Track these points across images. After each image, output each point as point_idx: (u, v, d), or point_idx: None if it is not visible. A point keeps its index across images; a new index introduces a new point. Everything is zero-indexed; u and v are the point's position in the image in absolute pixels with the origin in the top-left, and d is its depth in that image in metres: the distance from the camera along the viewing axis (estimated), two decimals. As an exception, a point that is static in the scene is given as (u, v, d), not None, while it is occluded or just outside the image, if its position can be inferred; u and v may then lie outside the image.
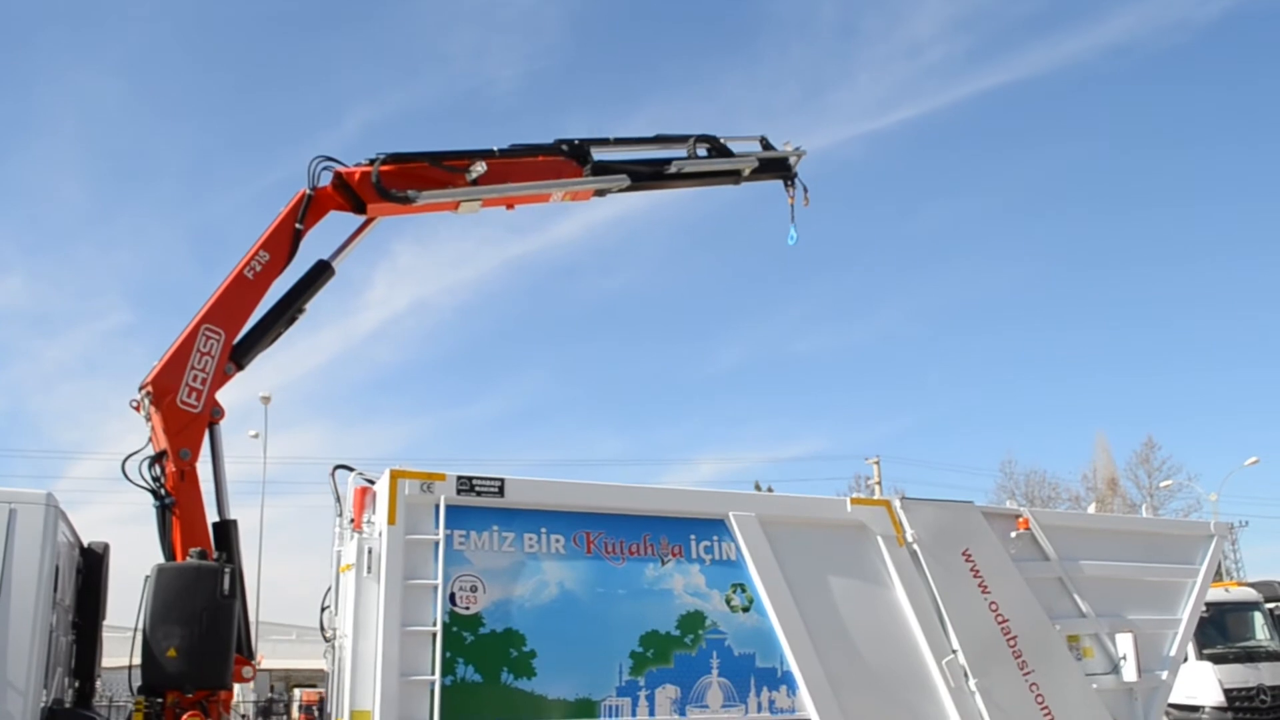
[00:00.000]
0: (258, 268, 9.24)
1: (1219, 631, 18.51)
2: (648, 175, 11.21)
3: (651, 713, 8.16)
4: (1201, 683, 17.75)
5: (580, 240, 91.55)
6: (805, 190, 12.07)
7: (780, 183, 12.16)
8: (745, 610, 8.71)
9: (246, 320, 9.21)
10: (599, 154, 10.84)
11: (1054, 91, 79.93)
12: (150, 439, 8.77)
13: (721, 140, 11.54)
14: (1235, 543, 45.26)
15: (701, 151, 11.42)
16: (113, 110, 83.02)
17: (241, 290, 9.16)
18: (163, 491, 8.56)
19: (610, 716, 8.04)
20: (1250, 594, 19.70)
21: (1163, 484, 48.91)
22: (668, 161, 11.25)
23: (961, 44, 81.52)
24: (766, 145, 11.94)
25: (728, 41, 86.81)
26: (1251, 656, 18.49)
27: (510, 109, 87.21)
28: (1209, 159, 77.94)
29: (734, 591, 8.74)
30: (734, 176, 11.75)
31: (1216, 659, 18.10)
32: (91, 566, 8.63)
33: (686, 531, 8.76)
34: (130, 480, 8.58)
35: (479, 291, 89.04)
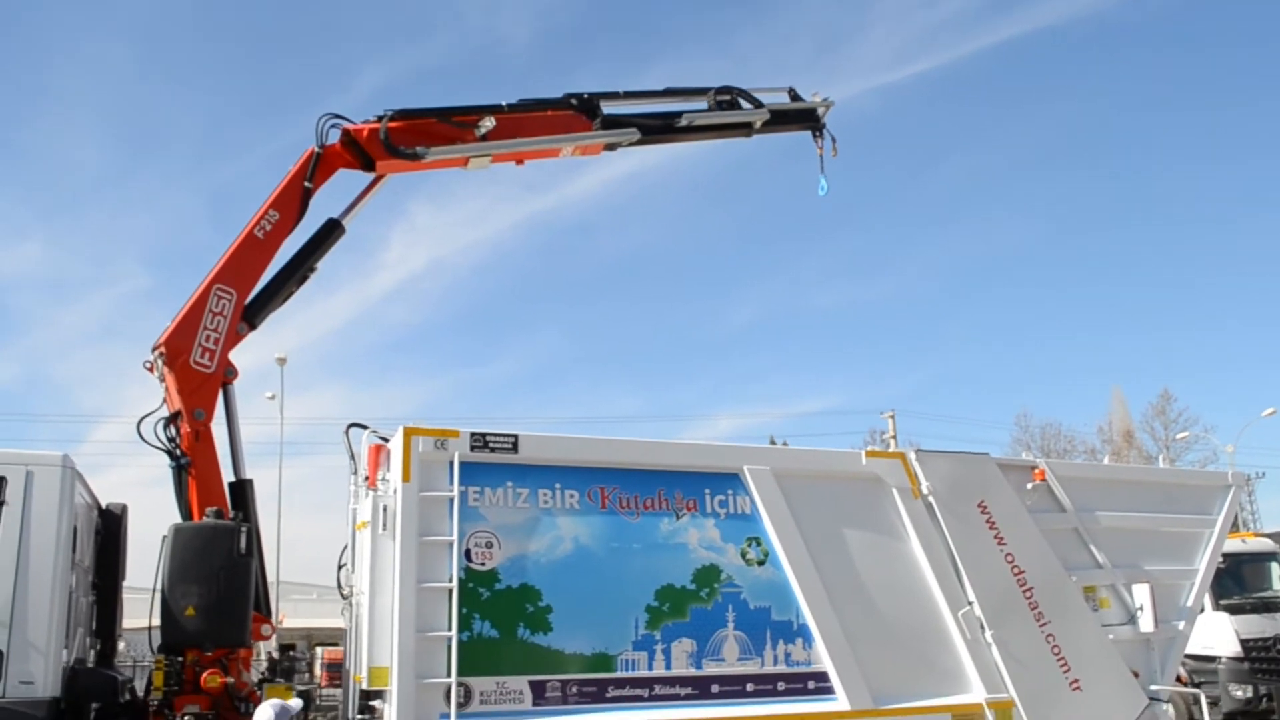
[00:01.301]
0: (268, 227, 9.20)
1: (1235, 582, 18.46)
2: (658, 129, 11.12)
3: (668, 666, 8.20)
4: (1218, 633, 17.73)
5: (595, 197, 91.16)
6: (834, 141, 12.15)
7: (808, 135, 12.22)
8: (760, 564, 8.72)
9: (258, 280, 9.19)
10: (608, 108, 10.74)
11: (1073, 42, 78.88)
12: (165, 400, 8.79)
13: (748, 91, 11.50)
14: (1252, 494, 45.21)
15: (732, 103, 11.35)
16: (125, 74, 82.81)
17: (252, 250, 9.13)
18: (178, 452, 8.59)
19: (626, 670, 8.07)
20: (1267, 544, 19.62)
21: (1179, 436, 48.86)
22: (678, 115, 11.15)
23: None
24: (795, 97, 11.99)
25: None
26: (1268, 607, 18.45)
27: (523, 67, 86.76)
28: (1227, 111, 77.01)
29: (749, 545, 8.74)
30: (745, 129, 11.66)
31: (1233, 610, 18.07)
32: (110, 528, 8.68)
33: (701, 486, 8.75)
34: (146, 441, 8.62)
35: (495, 250, 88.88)
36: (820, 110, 12.07)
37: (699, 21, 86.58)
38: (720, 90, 11.35)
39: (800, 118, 12.07)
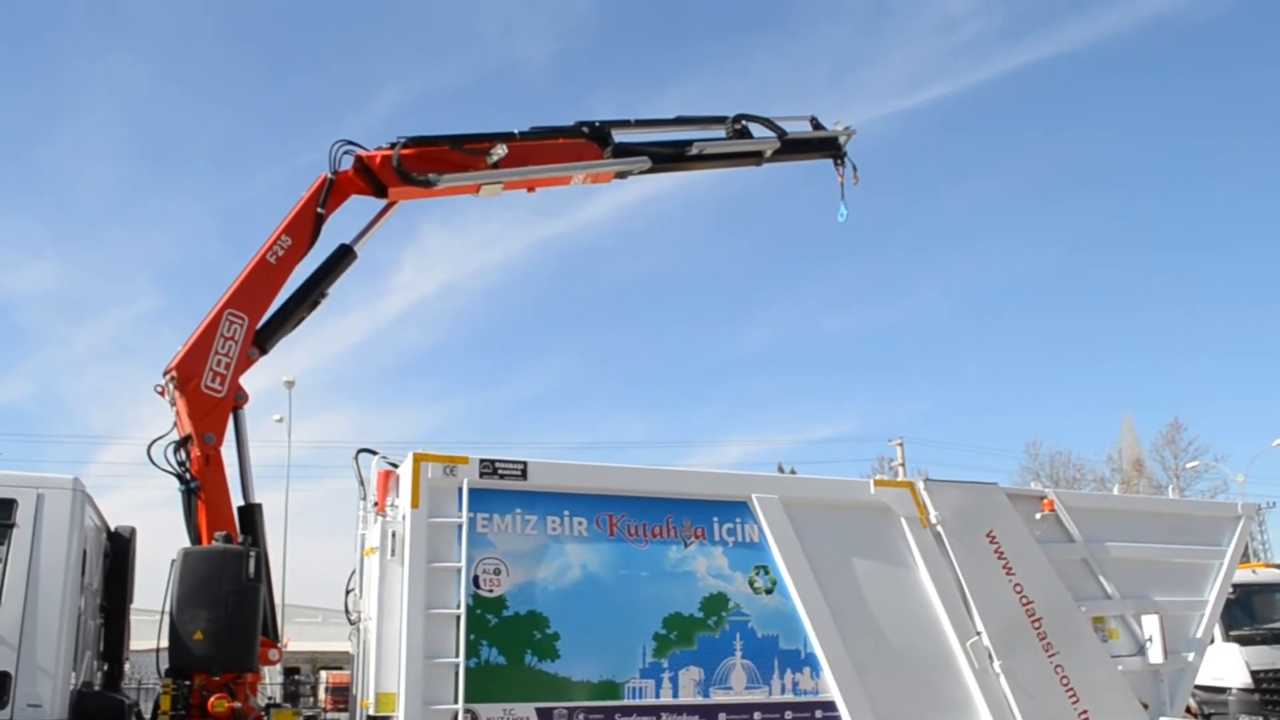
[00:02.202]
0: (280, 252, 9.25)
1: (1246, 613, 18.33)
2: (669, 157, 11.17)
3: (675, 694, 8.18)
4: (1228, 664, 17.60)
5: (609, 222, 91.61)
6: (855, 169, 12.15)
7: (821, 161, 12.26)
8: (768, 592, 8.71)
9: (269, 305, 9.22)
10: (620, 136, 10.80)
11: (1088, 69, 79.17)
12: (175, 424, 8.81)
13: (770, 119, 11.61)
14: (1263, 524, 44.77)
15: (757, 130, 11.47)
16: (143, 93, 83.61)
17: (264, 275, 9.17)
18: (188, 476, 8.60)
19: (634, 698, 8.06)
20: (1278, 575, 19.52)
21: (1189, 465, 48.58)
22: (689, 143, 11.21)
23: (995, 19, 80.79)
24: (817, 125, 12.06)
25: (758, 19, 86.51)
26: (1279, 638, 18.35)
27: (540, 89, 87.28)
28: (1241, 140, 77.01)
29: (757, 574, 8.73)
30: (756, 158, 11.71)
31: (1243, 641, 17.93)
32: (119, 550, 8.70)
33: (709, 514, 8.75)
34: (156, 465, 8.63)
35: (508, 274, 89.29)
36: (842, 139, 12.15)
37: (716, 45, 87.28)
38: (739, 118, 11.42)
39: (822, 146, 12.16)
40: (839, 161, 12.19)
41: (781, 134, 11.66)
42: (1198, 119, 77.83)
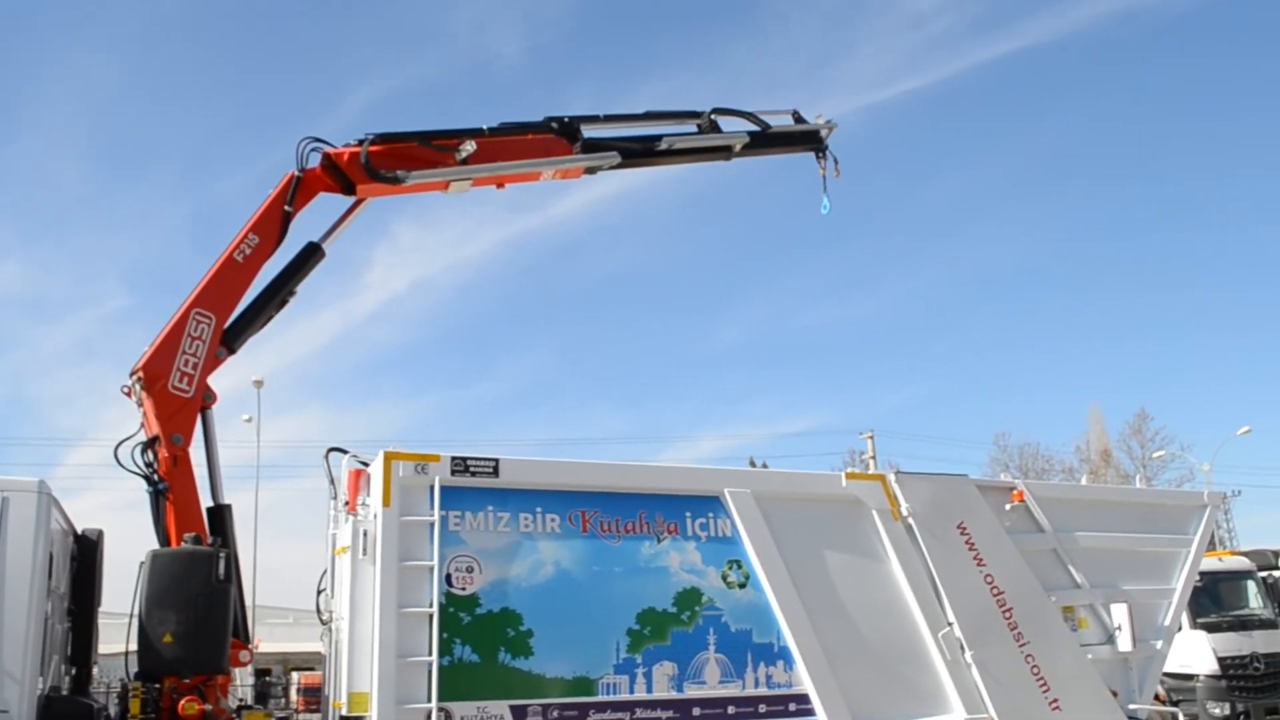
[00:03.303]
0: (247, 251, 9.17)
1: (1213, 600, 18.59)
2: (639, 152, 11.17)
3: (649, 690, 8.18)
4: (1196, 651, 17.84)
5: (581, 218, 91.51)
6: (836, 162, 12.28)
7: (792, 155, 12.35)
8: (741, 586, 8.73)
9: (237, 304, 9.15)
10: (589, 131, 10.79)
11: (1058, 61, 79.75)
12: (142, 425, 8.73)
13: (753, 113, 11.68)
14: (1228, 512, 45.37)
15: (743, 125, 11.53)
16: (110, 92, 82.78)
17: (231, 274, 9.10)
18: (156, 477, 8.51)
19: (608, 694, 8.06)
20: (1243, 563, 19.78)
21: (1156, 455, 49.19)
22: (658, 138, 11.22)
23: (966, 13, 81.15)
24: (798, 119, 12.17)
25: (730, 14, 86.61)
26: (1245, 625, 18.59)
27: (513, 85, 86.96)
28: (1207, 130, 77.86)
29: (730, 568, 8.75)
30: (725, 153, 11.73)
31: (1210, 628, 18.19)
32: (86, 553, 8.60)
33: (682, 509, 8.76)
34: (123, 466, 8.54)
35: (480, 271, 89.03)
36: (824, 132, 12.24)
37: (690, 39, 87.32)
38: (715, 112, 11.44)
39: (804, 139, 12.25)
40: (820, 154, 12.29)
41: (765, 127, 11.73)
42: (1165, 111, 78.68)
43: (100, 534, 8.78)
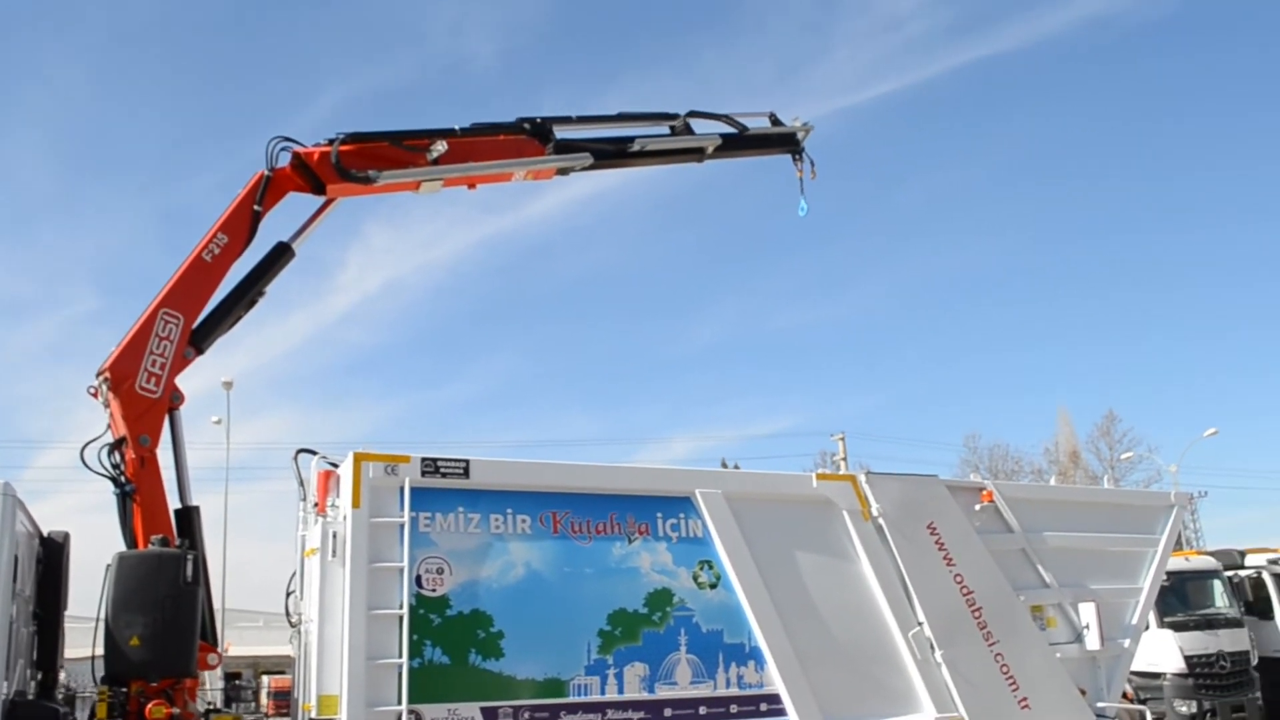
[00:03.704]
0: (216, 250, 9.11)
1: (1179, 600, 18.72)
2: (611, 153, 11.17)
3: (620, 691, 8.18)
4: (1163, 650, 17.97)
5: (554, 219, 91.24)
6: (813, 164, 12.32)
7: (768, 157, 12.40)
8: (712, 587, 8.74)
9: (205, 304, 9.08)
10: (561, 132, 10.77)
11: (1033, 65, 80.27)
12: (109, 426, 8.64)
13: (731, 115, 11.72)
14: (1195, 513, 45.80)
15: (720, 127, 11.57)
16: (78, 92, 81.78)
17: (200, 273, 9.03)
18: (123, 479, 8.44)
19: (579, 695, 8.05)
20: (1210, 563, 19.95)
21: (1124, 456, 49.59)
22: (631, 140, 11.22)
23: (942, 18, 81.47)
24: (775, 121, 12.21)
25: (706, 18, 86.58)
26: (1211, 624, 18.73)
27: (487, 87, 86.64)
28: (1177, 132, 78.53)
29: (701, 568, 8.76)
30: (698, 155, 11.75)
31: (1177, 627, 18.32)
32: (51, 556, 8.50)
33: (653, 509, 8.77)
34: (89, 468, 8.46)
35: (452, 272, 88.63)
36: (800, 134, 12.27)
37: (664, 42, 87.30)
38: (690, 114, 11.46)
39: (781, 141, 12.29)
40: (797, 156, 12.32)
41: (742, 129, 11.76)
42: (1135, 115, 79.21)
43: (67, 536, 8.69)
